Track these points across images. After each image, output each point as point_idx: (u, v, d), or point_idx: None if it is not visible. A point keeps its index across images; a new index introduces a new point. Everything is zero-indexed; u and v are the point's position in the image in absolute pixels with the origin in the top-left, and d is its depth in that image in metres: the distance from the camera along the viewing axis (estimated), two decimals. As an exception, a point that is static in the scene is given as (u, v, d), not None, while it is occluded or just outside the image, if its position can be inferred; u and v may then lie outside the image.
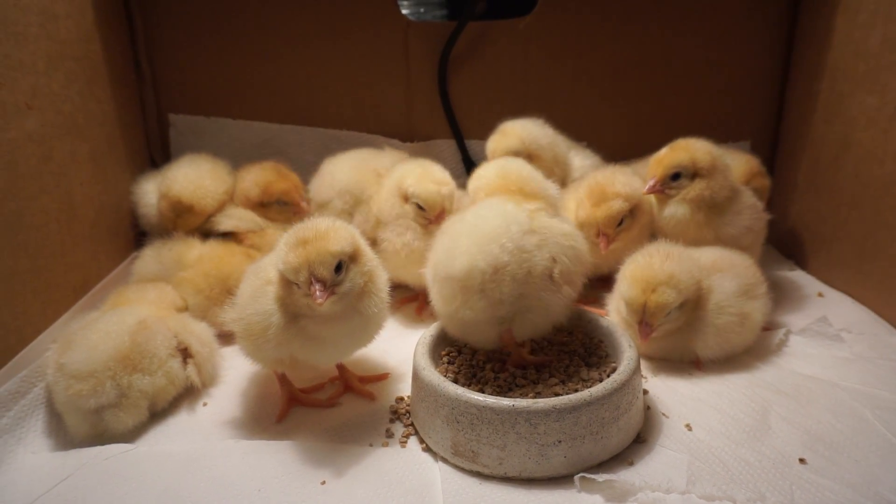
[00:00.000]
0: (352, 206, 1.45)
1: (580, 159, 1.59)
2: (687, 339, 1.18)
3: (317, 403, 1.14)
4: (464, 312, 1.01)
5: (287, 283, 0.97)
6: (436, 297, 1.06)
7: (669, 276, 1.12)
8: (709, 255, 1.24)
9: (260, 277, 1.04)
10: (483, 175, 1.16)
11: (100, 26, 1.46)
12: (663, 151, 1.35)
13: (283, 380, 1.13)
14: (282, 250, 0.96)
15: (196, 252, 1.40)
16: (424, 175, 1.35)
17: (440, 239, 1.08)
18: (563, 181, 1.51)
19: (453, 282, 1.00)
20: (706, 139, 1.37)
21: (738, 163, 1.47)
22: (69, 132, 1.32)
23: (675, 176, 1.32)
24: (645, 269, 1.15)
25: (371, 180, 1.46)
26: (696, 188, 1.32)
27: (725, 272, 1.21)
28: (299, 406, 1.14)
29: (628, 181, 1.36)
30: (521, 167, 1.15)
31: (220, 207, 1.51)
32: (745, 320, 1.19)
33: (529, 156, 1.42)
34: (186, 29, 1.67)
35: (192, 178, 1.48)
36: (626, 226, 1.35)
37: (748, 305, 1.19)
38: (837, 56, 1.46)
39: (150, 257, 1.41)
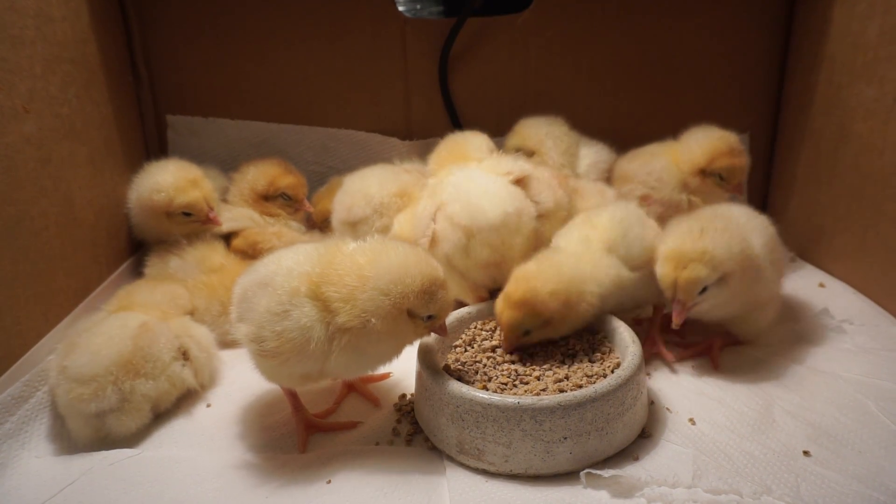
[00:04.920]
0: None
1: (587, 150, 1.61)
2: None
3: (336, 427, 1.09)
4: (507, 252, 1.20)
5: (406, 316, 0.95)
6: (479, 250, 1.20)
7: (702, 252, 1.08)
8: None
9: (282, 289, 0.94)
10: (440, 147, 1.45)
11: (96, 28, 1.45)
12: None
13: (296, 406, 1.08)
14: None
15: (219, 257, 1.41)
16: None
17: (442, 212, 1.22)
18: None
19: (494, 230, 1.18)
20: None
21: (703, 145, 1.43)
22: (67, 135, 1.32)
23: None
24: (680, 243, 1.10)
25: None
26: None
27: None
28: (319, 432, 1.08)
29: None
30: (467, 140, 1.43)
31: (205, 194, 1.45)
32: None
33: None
34: (183, 29, 1.66)
35: (164, 166, 1.48)
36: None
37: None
38: (835, 48, 1.46)
39: (170, 253, 1.41)
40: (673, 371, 1.20)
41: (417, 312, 0.96)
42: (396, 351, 1.01)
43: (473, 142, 1.44)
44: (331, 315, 0.94)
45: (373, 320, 0.92)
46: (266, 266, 1.00)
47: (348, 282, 0.93)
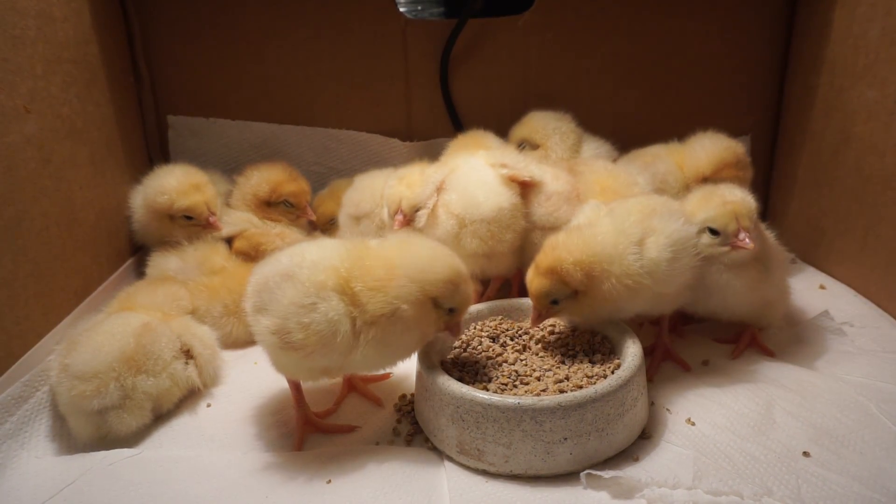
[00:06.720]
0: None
1: (588, 146, 1.61)
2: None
3: (334, 429, 1.09)
4: (496, 246, 1.24)
5: (431, 305, 0.98)
6: (469, 240, 1.23)
7: (743, 193, 1.16)
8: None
9: (309, 281, 0.94)
10: (457, 141, 1.50)
11: (97, 29, 1.46)
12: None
13: (299, 401, 1.07)
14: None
15: (220, 259, 1.42)
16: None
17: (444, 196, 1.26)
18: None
19: (486, 222, 1.22)
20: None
21: (710, 154, 1.42)
22: (68, 135, 1.32)
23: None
24: (713, 192, 1.17)
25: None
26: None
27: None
28: (316, 433, 1.09)
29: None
30: (488, 143, 1.48)
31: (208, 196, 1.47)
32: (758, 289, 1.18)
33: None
34: (184, 30, 1.66)
35: (171, 171, 1.49)
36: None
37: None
38: (836, 50, 1.46)
39: (171, 254, 1.42)
40: (678, 372, 1.20)
41: (442, 303, 0.99)
42: (419, 343, 1.03)
43: (494, 145, 1.47)
44: (358, 309, 0.95)
45: (403, 306, 0.95)
46: (290, 257, 0.99)
47: (378, 273, 0.96)
